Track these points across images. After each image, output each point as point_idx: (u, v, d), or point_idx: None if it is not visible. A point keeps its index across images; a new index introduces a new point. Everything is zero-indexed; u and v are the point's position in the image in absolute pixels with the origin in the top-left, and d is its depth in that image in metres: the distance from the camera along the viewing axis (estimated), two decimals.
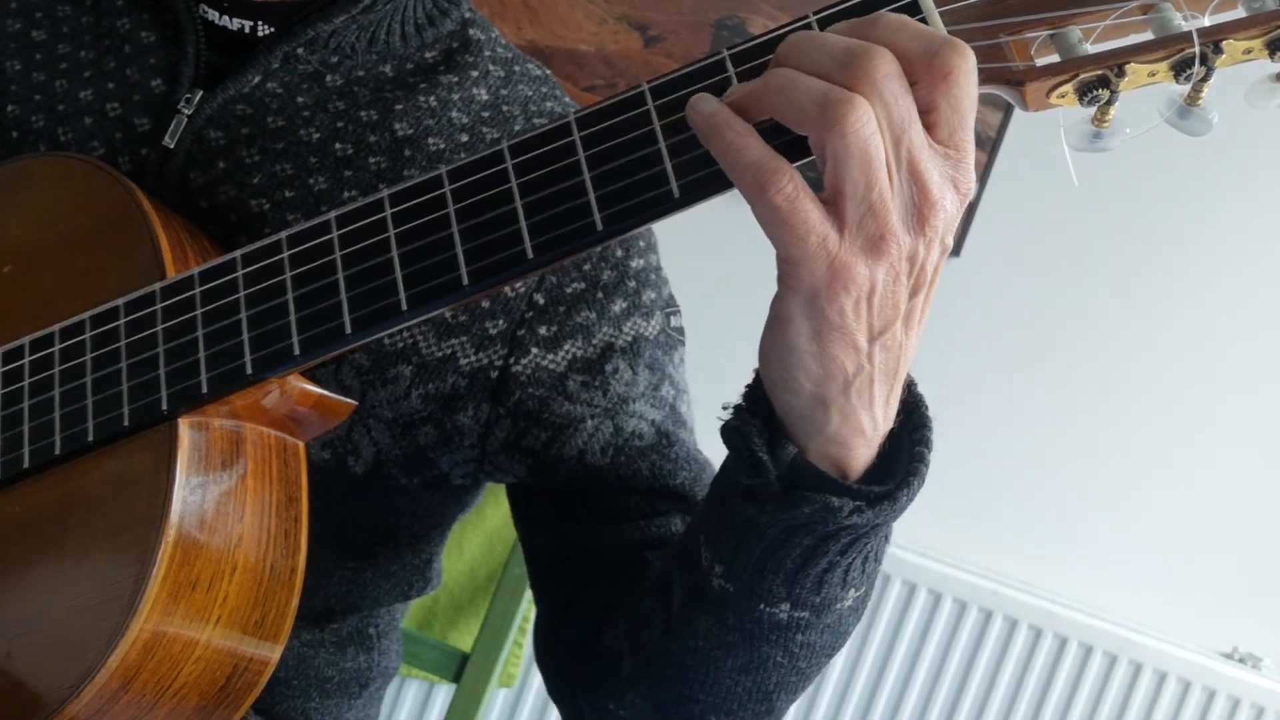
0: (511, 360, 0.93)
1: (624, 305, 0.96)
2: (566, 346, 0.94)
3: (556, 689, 0.98)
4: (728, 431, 0.75)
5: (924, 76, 0.63)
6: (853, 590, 0.77)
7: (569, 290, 0.94)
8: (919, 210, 0.64)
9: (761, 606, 0.77)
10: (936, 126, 0.64)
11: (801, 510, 0.72)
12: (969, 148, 0.64)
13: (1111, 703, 2.33)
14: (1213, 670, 2.32)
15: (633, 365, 0.96)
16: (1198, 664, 2.31)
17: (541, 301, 0.93)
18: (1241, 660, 2.36)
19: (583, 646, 0.93)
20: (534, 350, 0.93)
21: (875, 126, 0.62)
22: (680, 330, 1.01)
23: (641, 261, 0.98)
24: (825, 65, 0.64)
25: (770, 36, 0.70)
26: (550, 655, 0.99)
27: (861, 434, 0.71)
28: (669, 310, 1.00)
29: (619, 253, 0.97)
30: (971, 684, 2.33)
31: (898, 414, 0.74)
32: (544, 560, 1.01)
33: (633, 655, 0.87)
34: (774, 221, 0.64)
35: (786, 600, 0.76)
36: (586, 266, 0.95)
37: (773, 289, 0.69)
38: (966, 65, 0.63)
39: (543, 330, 0.93)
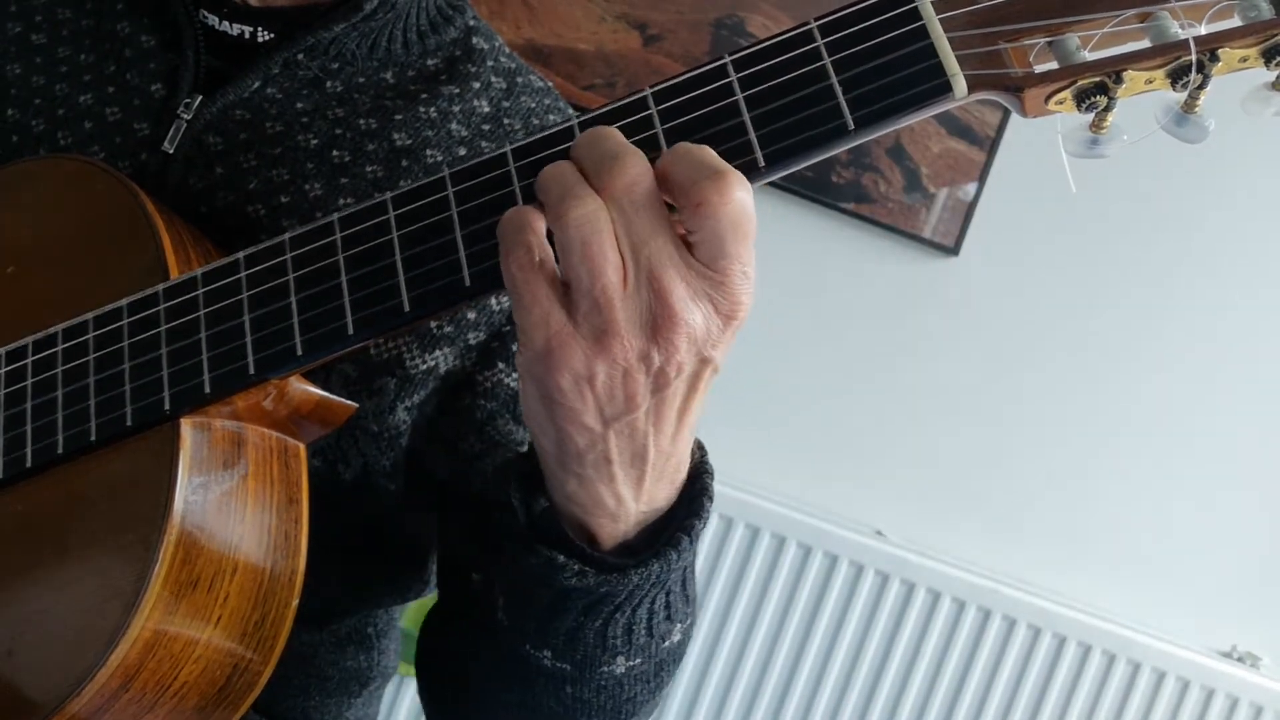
0: (476, 368, 0.94)
1: None
2: None
3: (421, 689, 1.00)
4: (499, 471, 0.78)
5: (680, 202, 0.65)
6: (621, 658, 0.79)
7: None
8: (655, 320, 0.65)
9: (526, 647, 0.80)
10: (696, 248, 0.65)
11: (532, 560, 0.75)
12: (734, 274, 0.66)
13: (1110, 702, 2.33)
14: (1211, 669, 2.32)
15: None
16: (1196, 663, 2.32)
17: None
18: (1240, 659, 2.37)
19: (432, 651, 0.95)
20: (499, 365, 0.94)
21: (601, 226, 0.65)
22: None
23: None
24: (586, 164, 0.67)
25: (773, 41, 0.70)
26: (418, 652, 1.00)
27: (602, 506, 0.73)
28: None
29: None
30: (970, 683, 2.33)
31: (680, 499, 0.76)
32: (443, 560, 1.00)
33: (455, 669, 0.91)
34: (508, 286, 0.67)
35: (546, 647, 0.79)
36: None
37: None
38: (723, 200, 0.64)
39: (515, 346, 0.93)
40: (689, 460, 0.76)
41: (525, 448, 0.93)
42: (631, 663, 0.80)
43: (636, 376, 0.67)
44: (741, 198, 0.65)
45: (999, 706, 2.34)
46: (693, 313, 0.66)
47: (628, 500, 0.73)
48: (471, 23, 1.03)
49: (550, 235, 0.68)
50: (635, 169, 0.65)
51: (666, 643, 0.81)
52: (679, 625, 0.81)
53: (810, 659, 2.32)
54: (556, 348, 0.66)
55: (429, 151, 0.95)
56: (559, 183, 0.66)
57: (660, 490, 0.74)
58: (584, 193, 0.65)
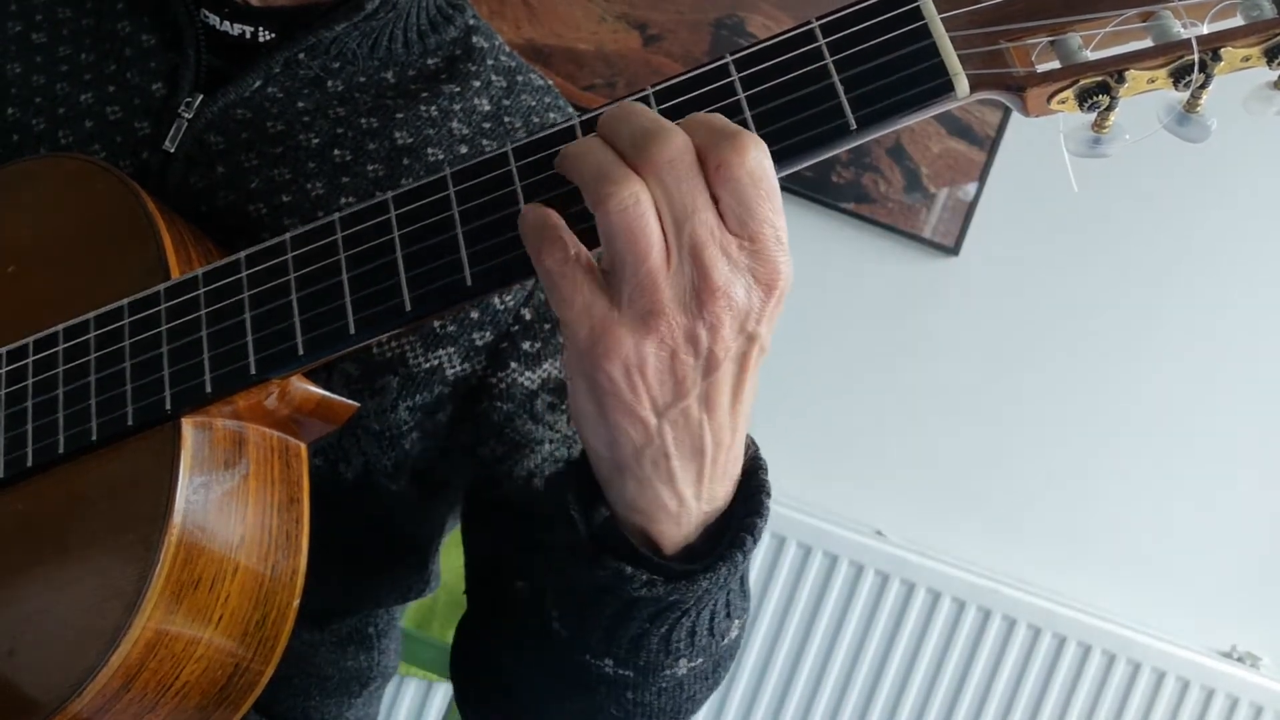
0: (489, 371, 0.94)
1: None
2: (545, 365, 0.94)
3: (457, 694, 1.00)
4: (550, 483, 0.77)
5: (707, 167, 0.65)
6: (684, 660, 0.78)
7: None
8: (699, 295, 0.65)
9: (587, 657, 0.79)
10: (725, 216, 0.65)
11: (598, 573, 0.74)
12: (767, 238, 0.65)
13: (1110, 702, 2.33)
14: (1211, 669, 2.32)
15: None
16: (1196, 663, 2.32)
17: (529, 317, 0.93)
18: (1240, 659, 2.37)
19: (470, 657, 0.95)
20: (512, 365, 0.94)
21: (645, 207, 0.64)
22: None
23: None
24: (622, 141, 0.66)
25: (775, 41, 0.70)
26: (454, 658, 1.00)
27: (663, 508, 0.72)
28: None
29: None
30: (970, 683, 2.33)
31: (737, 496, 0.75)
32: (474, 566, 1.00)
33: (498, 676, 0.90)
34: (546, 284, 0.67)
35: (608, 656, 0.78)
36: None
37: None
38: (741, 158, 0.64)
39: (526, 345, 0.93)
40: (744, 455, 0.75)
41: (545, 446, 0.94)
42: (694, 663, 0.79)
43: (684, 358, 0.67)
44: (758, 155, 0.64)
45: (999, 706, 2.34)
46: (734, 284, 0.65)
47: (689, 499, 0.72)
48: (471, 22, 1.03)
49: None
50: (678, 142, 0.65)
51: (725, 640, 0.80)
52: (737, 621, 0.80)
53: (810, 659, 2.32)
54: (602, 336, 0.66)
55: (430, 150, 0.95)
56: (594, 165, 0.66)
57: (720, 487, 0.74)
58: (622, 174, 0.65)
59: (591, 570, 0.75)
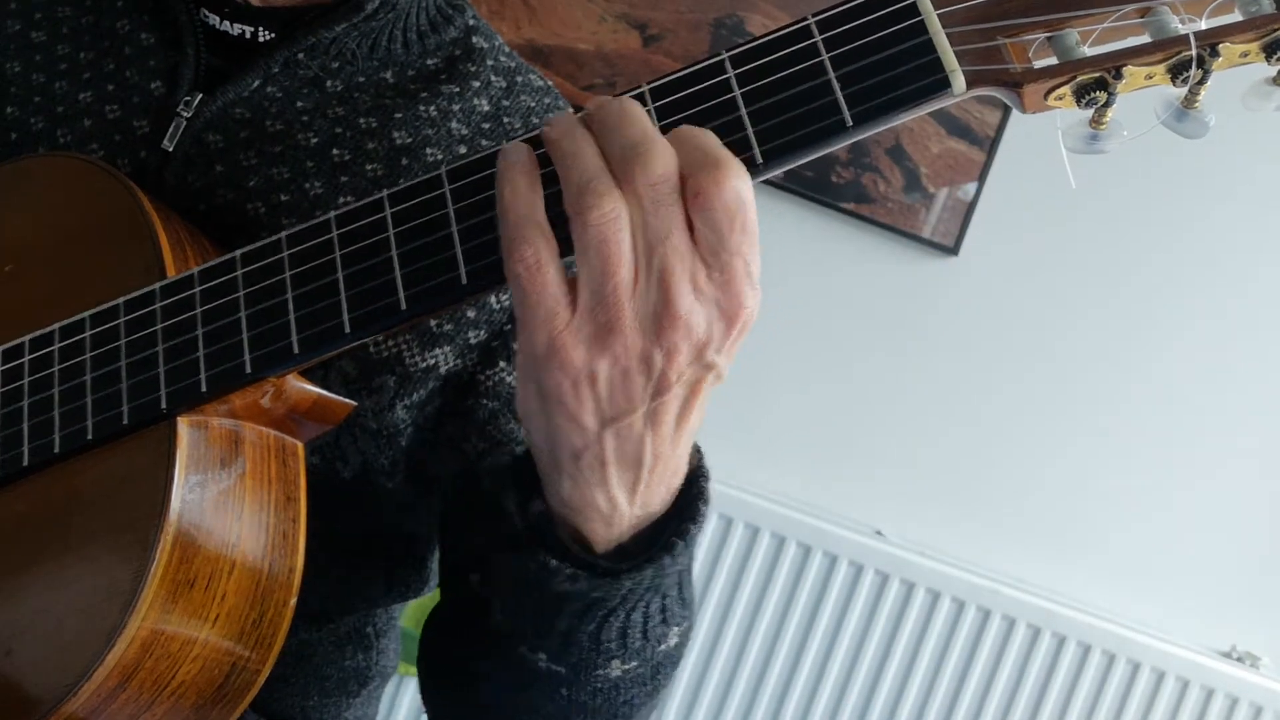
0: (479, 368, 0.94)
1: None
2: None
3: (420, 684, 1.00)
4: (492, 473, 0.79)
5: (686, 192, 0.65)
6: (616, 661, 0.79)
7: None
8: (659, 320, 0.65)
9: (523, 650, 0.80)
10: (699, 242, 0.65)
11: (528, 564, 0.75)
12: (737, 271, 0.65)
13: (1110, 701, 2.33)
14: (1211, 669, 2.32)
15: None
16: (1196, 663, 2.32)
17: None
18: (1240, 659, 2.37)
19: (433, 648, 0.95)
20: (501, 363, 0.94)
21: (623, 223, 0.64)
22: None
23: None
24: (612, 149, 0.66)
25: (771, 38, 0.70)
26: (420, 648, 1.00)
27: (595, 508, 0.73)
28: None
29: None
30: (970, 683, 2.33)
31: (674, 504, 0.76)
32: (445, 560, 1.00)
33: (454, 667, 0.91)
34: (513, 283, 0.67)
35: (542, 650, 0.79)
36: None
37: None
38: (720, 189, 0.64)
39: (516, 345, 0.93)
40: (686, 465, 0.76)
41: (524, 448, 0.94)
42: (627, 666, 0.80)
43: (636, 378, 0.67)
44: (737, 187, 0.65)
45: (999, 706, 2.34)
46: (697, 315, 0.65)
47: (621, 503, 0.73)
48: (471, 22, 1.03)
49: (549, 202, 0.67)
50: (663, 164, 0.65)
51: (663, 646, 0.81)
52: (675, 629, 0.81)
53: (810, 659, 2.32)
54: (560, 346, 0.66)
55: (429, 150, 0.95)
56: (581, 171, 0.66)
57: (655, 494, 0.74)
58: (606, 187, 0.65)
59: (523, 561, 0.76)
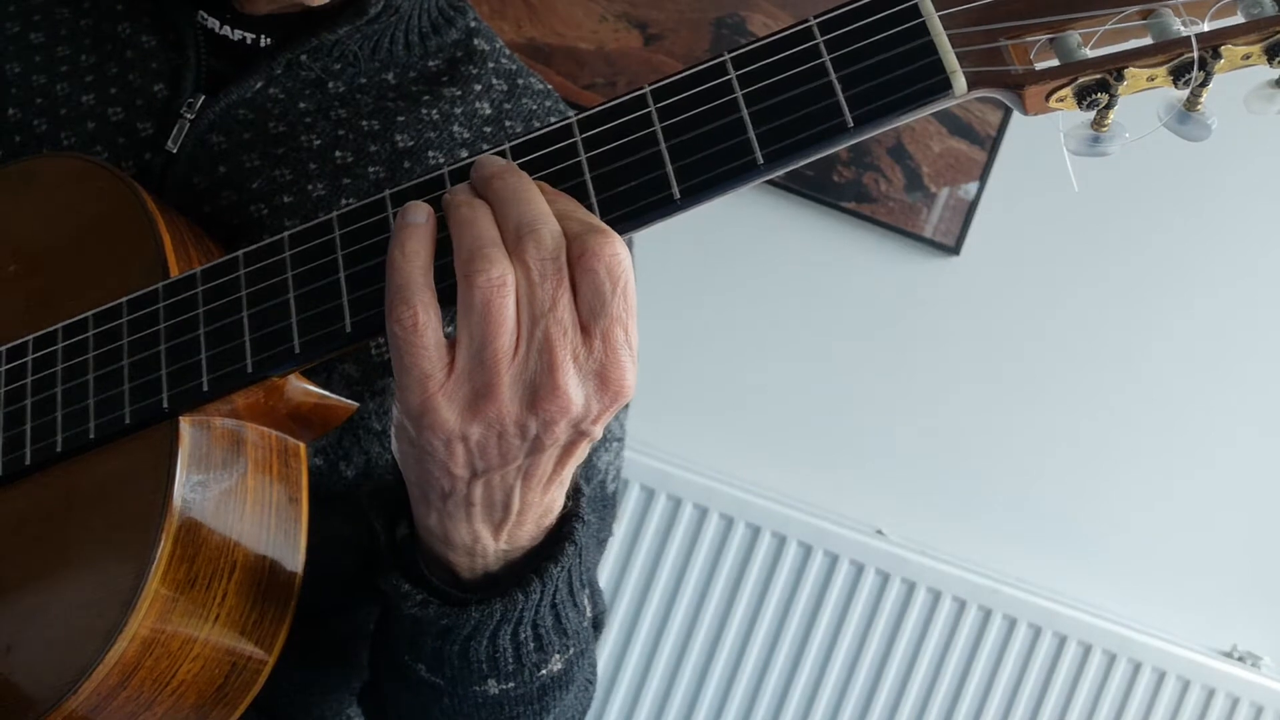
0: None
1: None
2: None
3: None
4: (371, 492, 0.81)
5: (570, 254, 0.66)
6: (491, 680, 0.80)
7: None
8: (539, 391, 0.67)
9: (405, 658, 0.82)
10: (580, 307, 0.66)
11: (386, 584, 0.79)
12: (617, 340, 0.67)
13: (1110, 701, 2.33)
14: (1212, 669, 2.32)
15: None
16: (1197, 662, 2.32)
17: None
18: (1241, 659, 2.37)
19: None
20: None
21: (509, 291, 0.66)
22: None
23: None
24: (506, 221, 0.67)
25: (773, 39, 0.70)
26: None
27: (459, 542, 0.75)
28: None
29: None
30: (971, 682, 2.33)
31: (545, 539, 0.78)
32: None
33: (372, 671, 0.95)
34: (392, 343, 0.68)
35: (420, 661, 0.81)
36: None
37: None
38: (602, 248, 0.66)
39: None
40: (560, 504, 0.77)
41: None
42: (504, 686, 0.81)
43: (511, 440, 0.69)
44: (619, 251, 0.66)
45: (999, 706, 2.34)
46: (577, 390, 0.67)
47: (485, 539, 0.75)
48: (473, 24, 1.03)
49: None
50: (553, 243, 0.66)
51: (544, 671, 0.82)
52: (557, 655, 0.82)
53: (810, 658, 2.32)
54: (433, 408, 0.68)
55: (431, 153, 0.95)
56: (474, 236, 0.67)
57: (524, 533, 0.76)
58: (497, 255, 0.66)
59: (382, 581, 0.79)
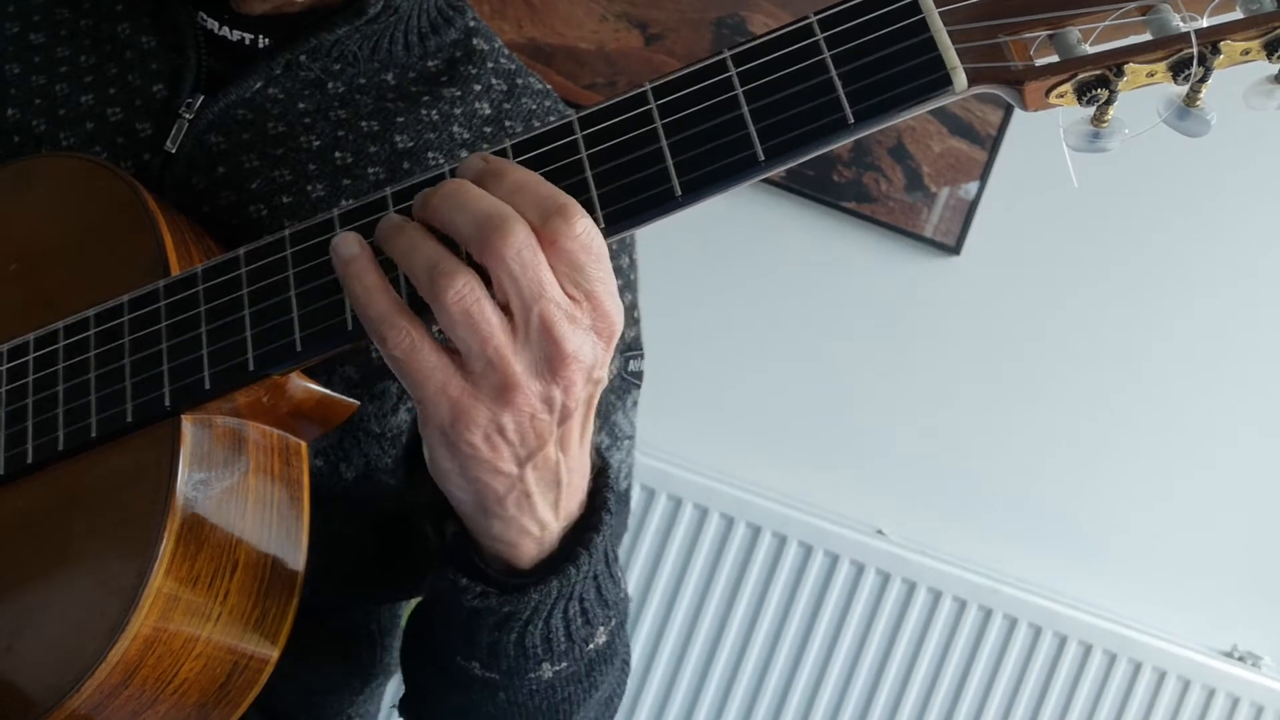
0: None
1: None
2: None
3: None
4: (412, 506, 0.82)
5: (543, 242, 0.68)
6: (546, 664, 0.81)
7: None
8: (551, 363, 0.68)
9: (458, 659, 0.82)
10: (563, 281, 0.68)
11: (441, 583, 0.80)
12: (601, 295, 0.69)
13: (1111, 701, 2.33)
14: (1212, 669, 2.32)
15: None
16: (1197, 662, 2.32)
17: None
18: (1241, 659, 2.37)
19: (404, 653, 1.00)
20: None
21: (479, 293, 0.67)
22: (638, 375, 1.03)
23: None
24: (464, 230, 0.68)
25: (772, 36, 0.70)
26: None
27: (528, 534, 0.77)
28: (630, 354, 1.02)
29: None
30: (971, 682, 2.33)
31: (585, 506, 0.80)
32: None
33: (411, 672, 0.97)
34: (397, 369, 0.70)
35: (474, 659, 0.81)
36: None
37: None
38: (571, 231, 0.67)
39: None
40: (589, 466, 0.79)
41: None
42: (558, 667, 0.82)
43: (542, 417, 0.70)
44: (584, 224, 0.68)
45: (999, 706, 2.34)
46: (583, 347, 0.68)
47: (550, 522, 0.77)
48: (472, 24, 1.03)
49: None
50: (519, 231, 0.67)
51: (591, 645, 0.83)
52: (601, 628, 0.83)
53: (810, 658, 2.32)
54: (462, 412, 0.69)
55: (431, 154, 0.95)
56: (424, 259, 0.68)
57: (574, 502, 0.78)
58: (451, 266, 0.68)
59: (437, 579, 0.80)
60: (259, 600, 0.80)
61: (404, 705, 1.00)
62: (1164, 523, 2.39)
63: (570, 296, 0.68)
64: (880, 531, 2.35)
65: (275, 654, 0.82)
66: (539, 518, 0.76)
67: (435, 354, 0.69)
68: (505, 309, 0.68)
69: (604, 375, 0.71)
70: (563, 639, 0.80)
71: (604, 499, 0.79)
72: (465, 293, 0.67)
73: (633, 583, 2.29)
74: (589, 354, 0.69)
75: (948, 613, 2.32)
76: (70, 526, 0.79)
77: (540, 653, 0.80)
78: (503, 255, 0.66)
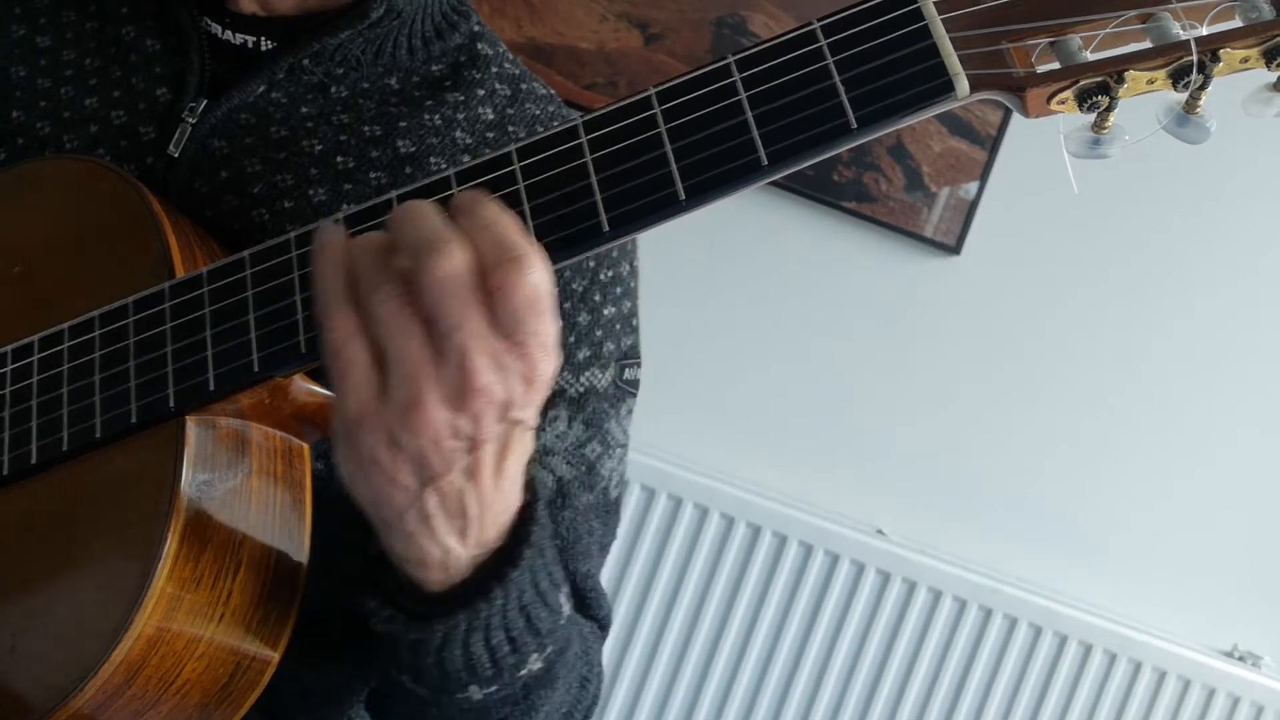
0: None
1: (587, 354, 0.97)
2: None
3: None
4: (345, 519, 0.80)
5: (488, 282, 0.67)
6: (474, 686, 0.81)
7: None
8: (462, 394, 0.67)
9: (392, 671, 0.82)
10: (497, 324, 0.67)
11: (358, 601, 0.80)
12: (533, 347, 0.68)
13: (1111, 701, 2.33)
14: (1212, 668, 2.32)
15: (573, 417, 0.97)
16: (1197, 662, 2.32)
17: None
18: (1241, 658, 2.37)
19: None
20: None
21: (403, 305, 0.67)
22: (634, 383, 1.02)
23: (614, 310, 0.99)
24: (406, 245, 0.68)
25: (776, 42, 0.71)
26: None
27: (431, 559, 0.75)
28: (625, 362, 1.01)
29: (596, 297, 0.97)
30: (971, 682, 2.33)
31: (506, 542, 0.78)
32: None
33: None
34: (328, 353, 0.70)
35: (404, 673, 0.81)
36: (566, 305, 0.96)
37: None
38: (520, 281, 0.66)
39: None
40: (518, 499, 0.77)
41: None
42: (488, 690, 0.81)
43: (447, 444, 0.69)
44: (536, 280, 0.67)
45: (1000, 705, 2.34)
46: (497, 386, 0.68)
47: (454, 549, 0.75)
48: (476, 29, 1.03)
49: None
50: (456, 260, 0.67)
51: (524, 671, 0.82)
52: (535, 655, 0.82)
53: (810, 658, 2.32)
54: (367, 415, 0.69)
55: (433, 159, 0.95)
56: (371, 259, 0.69)
57: (489, 532, 0.76)
58: (390, 275, 0.68)
59: (357, 598, 0.80)
60: (261, 601, 0.80)
61: (368, 703, 1.01)
62: (1164, 523, 2.40)
63: (501, 337, 0.67)
64: (880, 531, 2.36)
65: (277, 655, 0.82)
66: (441, 542, 0.74)
67: (365, 352, 0.69)
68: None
69: (525, 417, 0.70)
70: (488, 665, 0.80)
71: (527, 532, 0.78)
72: (396, 295, 0.67)
73: (632, 582, 2.29)
74: (503, 393, 0.68)
75: (948, 613, 2.32)
76: (74, 527, 0.79)
77: (465, 676, 0.80)
78: (433, 277, 0.66)
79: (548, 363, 0.69)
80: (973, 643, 2.33)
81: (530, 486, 0.79)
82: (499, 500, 0.75)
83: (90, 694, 0.73)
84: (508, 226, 0.68)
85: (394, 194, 0.76)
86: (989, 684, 2.34)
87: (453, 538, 0.74)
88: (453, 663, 0.78)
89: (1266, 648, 2.40)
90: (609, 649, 2.30)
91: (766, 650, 2.33)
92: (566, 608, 0.84)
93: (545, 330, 0.68)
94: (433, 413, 0.68)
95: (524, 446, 0.74)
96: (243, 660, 0.80)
